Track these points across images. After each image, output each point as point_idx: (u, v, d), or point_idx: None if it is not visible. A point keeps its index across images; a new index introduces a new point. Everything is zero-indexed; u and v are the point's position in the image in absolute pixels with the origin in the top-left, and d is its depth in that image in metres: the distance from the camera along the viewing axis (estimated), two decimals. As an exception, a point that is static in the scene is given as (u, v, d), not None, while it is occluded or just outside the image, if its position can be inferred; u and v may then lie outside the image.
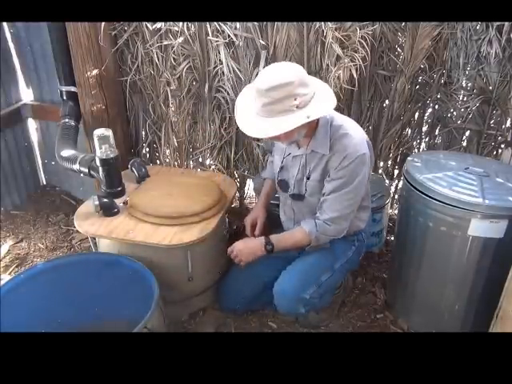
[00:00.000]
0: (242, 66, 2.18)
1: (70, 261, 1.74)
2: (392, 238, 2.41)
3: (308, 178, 1.68)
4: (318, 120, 1.58)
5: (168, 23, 2.11)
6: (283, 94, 1.41)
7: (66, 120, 2.26)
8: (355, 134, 1.59)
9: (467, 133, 2.27)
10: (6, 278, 2.16)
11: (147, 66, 2.28)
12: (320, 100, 1.50)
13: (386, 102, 2.30)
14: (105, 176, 1.87)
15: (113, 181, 1.90)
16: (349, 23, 1.98)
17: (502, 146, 2.19)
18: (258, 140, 2.31)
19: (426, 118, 2.36)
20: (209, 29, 2.09)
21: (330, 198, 1.63)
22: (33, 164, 2.89)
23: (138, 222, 1.83)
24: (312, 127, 1.59)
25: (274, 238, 1.73)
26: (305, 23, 2.04)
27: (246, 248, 1.76)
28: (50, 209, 2.73)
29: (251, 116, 1.51)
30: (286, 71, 1.46)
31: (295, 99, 1.42)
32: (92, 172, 1.96)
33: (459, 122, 2.24)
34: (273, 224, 1.93)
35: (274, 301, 1.75)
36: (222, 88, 2.24)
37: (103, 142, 1.82)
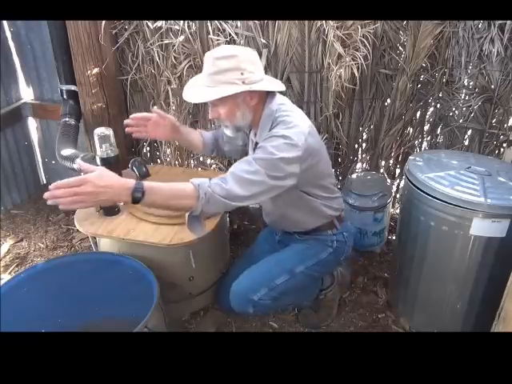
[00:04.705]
0: (242, 65, 2.17)
1: (71, 260, 1.74)
2: (393, 238, 2.40)
3: None
4: (263, 109, 1.57)
5: (169, 22, 2.11)
6: (230, 65, 1.44)
7: (67, 119, 2.26)
8: (294, 122, 1.50)
9: (469, 132, 2.26)
10: (6, 277, 2.16)
11: (148, 64, 2.28)
12: (267, 84, 1.54)
13: (388, 100, 2.30)
14: (105, 175, 1.86)
15: (113, 180, 1.89)
16: (350, 22, 1.97)
17: (504, 144, 2.18)
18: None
19: (427, 116, 2.35)
20: (210, 27, 2.09)
21: (244, 159, 1.47)
22: (33, 163, 2.89)
23: (139, 221, 1.83)
24: (257, 115, 1.58)
25: (147, 184, 1.30)
26: (306, 22, 2.04)
27: (105, 187, 1.21)
28: (50, 208, 2.73)
29: (196, 86, 1.55)
30: (239, 47, 1.54)
31: (242, 73, 1.45)
32: (92, 171, 1.95)
33: (461, 120, 2.23)
34: None
35: None
36: (223, 87, 2.24)
37: (104, 141, 1.82)
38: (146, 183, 1.29)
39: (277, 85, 1.61)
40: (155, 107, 1.70)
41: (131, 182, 1.26)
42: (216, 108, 1.54)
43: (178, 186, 1.36)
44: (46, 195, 1.17)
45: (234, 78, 1.45)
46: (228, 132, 1.64)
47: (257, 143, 1.59)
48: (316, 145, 1.57)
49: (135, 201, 1.26)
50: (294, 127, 1.48)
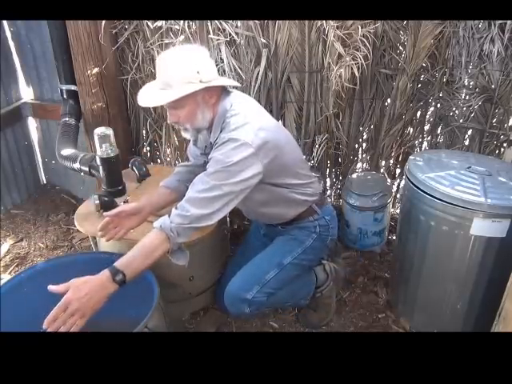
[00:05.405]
0: (243, 65, 2.17)
1: (71, 260, 1.73)
2: (394, 238, 2.40)
3: None
4: (217, 110, 1.53)
5: (169, 21, 2.11)
6: (185, 66, 1.42)
7: (67, 119, 2.26)
8: (239, 121, 1.47)
9: (469, 131, 2.26)
10: (6, 277, 2.16)
11: (148, 64, 2.28)
12: (223, 80, 1.56)
13: (388, 100, 2.30)
14: (105, 175, 1.87)
15: (113, 180, 1.90)
16: (350, 21, 1.97)
17: (505, 144, 2.18)
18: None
19: (427, 116, 2.35)
20: (210, 27, 2.09)
21: (197, 178, 1.44)
22: (33, 163, 2.89)
23: (139, 221, 1.82)
24: (215, 114, 1.53)
25: (120, 263, 1.33)
26: (306, 21, 2.04)
27: (87, 294, 1.25)
28: (50, 208, 2.73)
29: (152, 90, 1.50)
30: (190, 46, 1.57)
31: (198, 72, 1.42)
32: (92, 171, 1.96)
33: (461, 120, 2.23)
34: None
35: None
36: (223, 87, 2.24)
37: (104, 141, 1.82)
38: (117, 262, 1.32)
39: (231, 81, 1.61)
40: (104, 214, 1.61)
41: (105, 272, 1.29)
42: (175, 111, 1.48)
43: (147, 242, 1.38)
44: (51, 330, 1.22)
45: (191, 77, 1.41)
46: (188, 135, 1.58)
47: (211, 143, 1.55)
48: (273, 138, 1.51)
49: (121, 283, 1.30)
50: (240, 126, 1.45)
